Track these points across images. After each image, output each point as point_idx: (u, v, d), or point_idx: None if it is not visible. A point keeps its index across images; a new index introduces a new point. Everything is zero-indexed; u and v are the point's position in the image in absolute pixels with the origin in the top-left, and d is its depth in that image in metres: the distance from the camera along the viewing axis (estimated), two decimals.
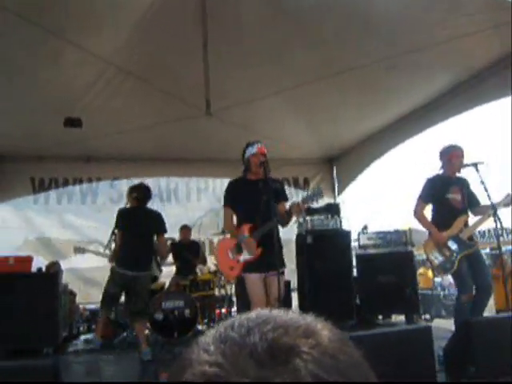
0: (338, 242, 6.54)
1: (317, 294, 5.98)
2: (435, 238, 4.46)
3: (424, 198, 4.63)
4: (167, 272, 7.06)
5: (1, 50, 4.38)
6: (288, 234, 5.83)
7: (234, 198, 4.18)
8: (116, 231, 5.38)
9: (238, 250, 4.02)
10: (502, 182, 5.51)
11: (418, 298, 6.50)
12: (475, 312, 4.18)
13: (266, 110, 6.15)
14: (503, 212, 4.38)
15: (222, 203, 4.32)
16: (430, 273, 7.92)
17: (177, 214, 7.99)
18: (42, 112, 5.69)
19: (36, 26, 3.99)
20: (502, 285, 4.39)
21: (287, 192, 4.53)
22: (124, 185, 7.79)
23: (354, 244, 6.93)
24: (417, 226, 5.03)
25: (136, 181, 7.68)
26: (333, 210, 6.87)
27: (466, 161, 4.53)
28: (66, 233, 7.59)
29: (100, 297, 5.59)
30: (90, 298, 7.18)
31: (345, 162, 8.63)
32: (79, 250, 6.47)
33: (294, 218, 4.37)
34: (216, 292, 6.72)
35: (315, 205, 4.78)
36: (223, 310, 6.96)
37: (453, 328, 4.49)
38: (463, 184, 4.64)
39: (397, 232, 6.99)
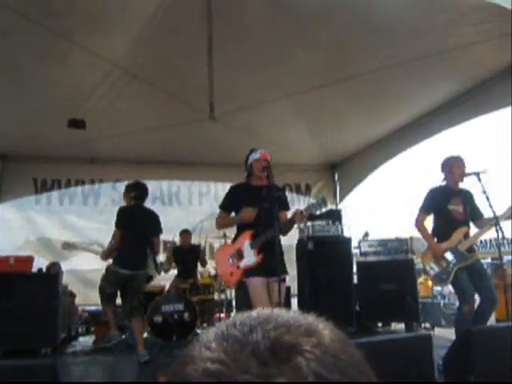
0: (339, 248, 6.54)
1: (317, 300, 5.97)
2: (433, 250, 4.48)
3: (425, 209, 4.64)
4: (167, 275, 7.06)
5: (7, 50, 4.39)
6: (289, 240, 5.82)
7: (235, 203, 4.16)
8: (115, 230, 5.37)
9: (239, 255, 4.01)
10: (505, 191, 5.51)
11: (418, 307, 6.48)
12: (479, 322, 4.17)
13: (270, 115, 6.16)
14: (504, 223, 4.38)
15: (219, 204, 4.32)
16: (430, 282, 7.90)
17: (178, 217, 8.01)
18: (46, 113, 5.71)
19: (42, 27, 4.00)
20: (502, 294, 4.38)
21: (289, 198, 4.53)
22: None
23: (354, 251, 6.93)
24: (418, 234, 5.03)
25: None
26: (334, 216, 6.87)
27: (468, 170, 4.54)
28: (67, 234, 7.59)
29: (98, 299, 5.59)
30: (89, 299, 7.17)
31: (347, 168, 8.63)
32: (68, 245, 6.43)
33: (295, 226, 4.36)
34: (216, 296, 6.72)
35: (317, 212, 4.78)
36: (222, 315, 6.95)
37: (452, 337, 4.48)
38: (466, 196, 4.64)
39: (398, 240, 6.98)
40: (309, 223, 6.55)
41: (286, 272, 4.07)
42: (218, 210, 4.34)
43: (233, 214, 4.22)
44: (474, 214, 4.61)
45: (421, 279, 8.14)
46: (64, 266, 6.84)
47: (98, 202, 7.89)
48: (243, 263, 3.97)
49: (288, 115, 6.29)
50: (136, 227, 5.31)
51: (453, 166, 4.58)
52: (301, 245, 6.59)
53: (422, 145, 6.72)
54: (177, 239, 7.67)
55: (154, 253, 5.63)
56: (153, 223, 5.52)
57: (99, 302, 7.16)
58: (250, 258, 3.95)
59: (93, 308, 7.22)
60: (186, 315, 5.87)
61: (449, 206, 4.52)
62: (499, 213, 4.33)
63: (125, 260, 5.22)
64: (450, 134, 6.20)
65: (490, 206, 4.28)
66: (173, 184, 8.32)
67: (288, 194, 7.91)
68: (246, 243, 3.98)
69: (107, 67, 4.80)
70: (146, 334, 6.02)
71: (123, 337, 5.93)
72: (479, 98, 5.28)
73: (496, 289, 4.43)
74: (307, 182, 8.85)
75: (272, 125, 6.53)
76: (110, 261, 5.39)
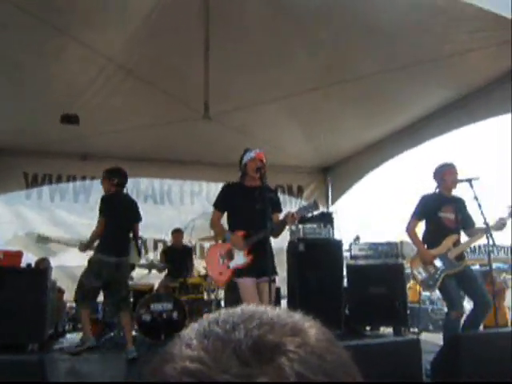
0: (330, 251, 6.55)
1: (306, 302, 5.97)
2: (422, 256, 4.51)
3: (417, 215, 4.66)
4: (157, 274, 7.05)
5: (2, 44, 4.36)
6: (280, 241, 5.82)
7: (227, 202, 4.17)
8: (99, 218, 5.20)
9: (229, 255, 4.01)
10: (497, 198, 5.55)
11: (406, 311, 6.50)
12: (471, 327, 4.19)
13: (265, 116, 6.16)
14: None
15: (213, 203, 4.32)
16: (419, 286, 7.94)
17: (170, 216, 7.99)
18: (39, 107, 5.67)
19: (39, 20, 3.98)
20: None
21: (281, 199, 4.54)
22: None
23: (345, 254, 6.94)
24: (409, 239, 5.05)
25: (130, 180, 7.68)
26: (326, 219, 6.88)
27: (460, 177, 4.57)
28: (56, 230, 7.53)
29: None
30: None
31: (340, 171, 8.65)
32: (42, 239, 6.30)
33: (286, 227, 4.37)
34: (205, 296, 6.70)
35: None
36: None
37: (440, 342, 4.49)
38: (458, 204, 4.66)
39: (388, 244, 7.00)
40: (300, 225, 6.56)
41: (275, 273, 4.08)
42: (209, 210, 4.35)
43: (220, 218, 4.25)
44: (465, 223, 4.63)
45: (410, 284, 8.18)
46: (53, 262, 6.80)
47: (88, 198, 7.83)
48: (233, 263, 3.97)
49: (283, 117, 6.30)
50: (119, 214, 5.20)
51: (445, 174, 4.61)
52: (292, 247, 6.59)
53: (416, 150, 6.77)
54: (168, 238, 7.65)
55: (136, 240, 5.51)
56: (134, 210, 5.42)
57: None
58: (240, 258, 3.95)
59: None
60: (175, 314, 5.85)
61: (439, 214, 4.55)
62: (491, 222, 4.36)
63: (109, 247, 5.09)
64: (443, 140, 6.25)
65: (482, 213, 4.31)
66: (165, 183, 8.29)
67: (280, 195, 7.90)
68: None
69: (102, 63, 4.78)
70: (134, 332, 5.99)
71: (111, 334, 5.90)
72: (475, 104, 5.31)
73: None
74: (299, 183, 8.86)
75: (266, 126, 6.54)
76: (92, 253, 5.23)
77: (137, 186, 7.94)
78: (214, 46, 4.51)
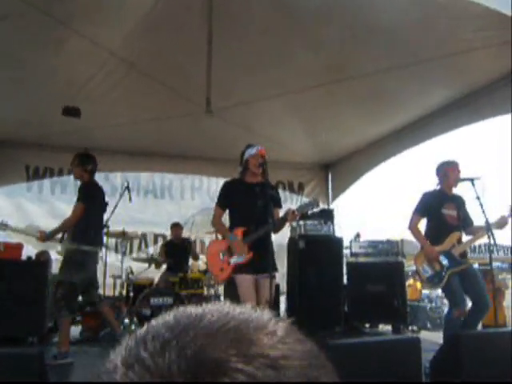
0: (330, 248, 6.54)
1: (306, 299, 5.98)
2: (427, 252, 4.49)
3: (419, 212, 4.66)
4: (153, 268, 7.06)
5: (5, 35, 4.34)
6: (280, 238, 5.82)
7: (229, 199, 4.17)
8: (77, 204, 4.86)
9: (230, 251, 4.01)
10: (498, 197, 5.55)
11: (406, 309, 6.51)
12: (468, 327, 4.19)
13: (267, 112, 6.15)
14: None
15: (216, 202, 4.31)
16: (418, 284, 7.96)
17: (170, 211, 7.99)
18: (41, 99, 5.65)
19: (42, 13, 3.96)
20: (491, 300, 4.40)
21: (281, 196, 4.55)
22: (118, 178, 7.77)
23: (345, 251, 6.94)
24: (409, 237, 5.06)
25: (131, 175, 7.68)
26: (326, 216, 6.87)
27: (463, 176, 4.57)
28: (56, 222, 7.51)
29: None
30: None
31: (341, 168, 8.64)
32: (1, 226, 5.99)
33: (286, 224, 4.38)
34: (205, 291, 6.71)
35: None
36: None
37: (438, 340, 4.51)
38: (459, 202, 4.67)
39: (389, 242, 7.01)
40: (301, 222, 6.55)
41: (275, 269, 4.08)
42: (210, 205, 4.36)
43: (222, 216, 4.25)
44: (464, 221, 4.64)
45: (409, 282, 8.19)
46: (53, 255, 6.79)
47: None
48: (233, 259, 3.97)
49: (284, 113, 6.29)
50: (100, 203, 5.04)
51: (448, 171, 4.61)
52: (292, 243, 6.59)
53: (418, 148, 6.76)
54: (168, 233, 7.65)
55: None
56: (104, 199, 5.22)
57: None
58: (241, 254, 3.95)
59: (79, 298, 7.18)
60: None
61: (442, 210, 4.54)
62: (492, 221, 4.36)
63: (94, 237, 4.84)
64: (445, 138, 6.24)
65: (483, 212, 4.31)
66: (165, 177, 8.28)
67: (281, 191, 7.91)
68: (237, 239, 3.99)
69: (105, 56, 4.77)
70: (133, 327, 6.00)
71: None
72: (478, 103, 5.30)
73: None
74: (300, 180, 8.85)
75: (268, 122, 6.53)
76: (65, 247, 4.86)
77: (137, 181, 7.93)
78: (216, 41, 4.49)
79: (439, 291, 6.89)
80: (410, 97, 5.67)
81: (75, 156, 5.12)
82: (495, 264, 7.89)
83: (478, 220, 4.62)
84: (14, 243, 5.79)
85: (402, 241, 6.96)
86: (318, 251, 6.38)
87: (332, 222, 6.85)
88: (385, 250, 6.92)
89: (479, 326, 5.30)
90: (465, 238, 4.65)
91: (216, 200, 4.31)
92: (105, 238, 5.97)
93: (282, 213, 4.18)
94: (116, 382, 0.37)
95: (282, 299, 6.79)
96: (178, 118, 6.11)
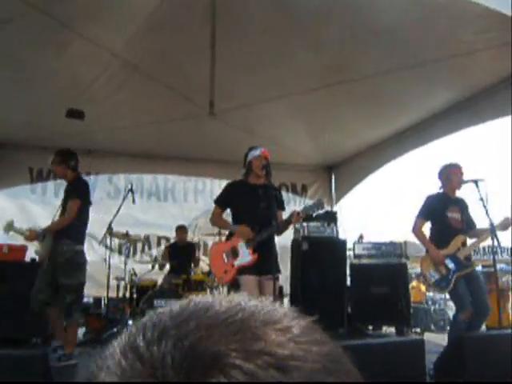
0: (334, 250, 6.54)
1: (309, 301, 5.97)
2: (432, 256, 4.46)
3: (423, 215, 4.64)
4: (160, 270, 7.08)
5: (9, 37, 4.36)
6: (284, 240, 5.82)
7: (231, 200, 4.17)
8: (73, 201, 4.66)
9: (234, 254, 4.01)
10: (502, 199, 5.54)
11: (409, 311, 6.50)
12: (470, 329, 4.18)
13: (270, 114, 6.15)
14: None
15: (214, 200, 4.31)
16: (422, 286, 7.94)
17: (173, 213, 7.99)
18: (45, 102, 5.67)
19: (45, 14, 3.98)
20: (494, 302, 4.39)
21: (285, 198, 4.55)
22: (122, 180, 7.79)
23: (348, 253, 6.94)
24: (412, 239, 5.05)
25: (134, 177, 7.69)
26: (330, 218, 6.87)
27: (466, 177, 4.56)
28: None
29: (91, 290, 5.47)
30: None
31: (344, 170, 8.63)
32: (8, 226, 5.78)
33: (290, 226, 4.38)
34: (208, 293, 6.71)
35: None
36: None
37: (443, 343, 4.50)
38: (462, 205, 4.66)
39: (392, 244, 7.00)
40: (304, 224, 6.55)
41: (279, 271, 4.08)
42: (212, 208, 4.33)
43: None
44: (467, 224, 4.63)
45: (413, 284, 8.18)
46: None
47: (93, 194, 7.81)
48: (238, 261, 3.97)
49: (287, 115, 6.29)
50: (89, 199, 4.86)
51: (450, 174, 4.60)
52: (295, 245, 6.59)
53: (420, 150, 6.76)
54: (171, 235, 7.65)
55: None
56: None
57: (90, 293, 7.09)
58: (245, 256, 3.95)
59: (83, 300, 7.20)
60: None
61: (447, 213, 4.53)
62: (495, 223, 4.34)
63: (84, 235, 4.73)
64: (448, 140, 6.24)
65: (487, 214, 4.30)
66: (168, 179, 8.28)
67: (284, 193, 7.91)
68: (241, 241, 3.98)
69: (108, 58, 4.78)
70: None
71: (115, 330, 5.91)
72: (479, 105, 5.29)
73: (488, 296, 4.45)
74: (303, 182, 8.84)
75: (271, 124, 6.53)
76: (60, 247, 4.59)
77: (141, 183, 7.94)
78: (219, 43, 4.51)
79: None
80: (413, 99, 5.67)
81: (55, 154, 4.89)
82: (499, 266, 7.87)
83: (480, 222, 4.61)
84: (18, 245, 5.79)
85: (406, 243, 6.94)
86: (321, 253, 6.38)
87: (335, 224, 6.86)
88: (388, 252, 6.92)
89: (483, 328, 5.30)
90: (469, 240, 4.64)
91: (216, 199, 4.31)
92: (108, 240, 5.99)
93: (284, 215, 4.18)
94: (109, 370, 0.35)
95: (286, 301, 6.79)
96: (180, 120, 6.12)
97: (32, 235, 4.66)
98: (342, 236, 6.91)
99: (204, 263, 7.16)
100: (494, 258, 4.62)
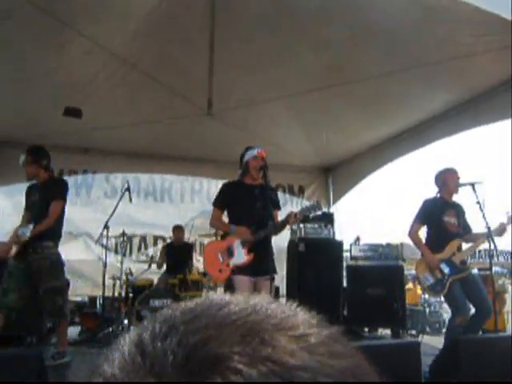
0: (330, 251, 6.54)
1: (305, 302, 5.89)
2: (427, 260, 4.47)
3: (420, 220, 4.64)
4: (156, 270, 7.06)
5: (8, 34, 4.35)
6: (280, 241, 5.81)
7: (228, 200, 4.15)
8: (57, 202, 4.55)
9: (229, 253, 3.99)
10: (498, 203, 5.54)
11: (405, 313, 6.50)
12: (470, 332, 4.18)
13: (267, 114, 6.16)
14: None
15: (212, 202, 4.27)
16: (418, 289, 7.95)
17: (170, 213, 7.97)
18: (43, 100, 5.65)
19: (44, 13, 3.97)
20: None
21: (282, 199, 4.54)
22: (119, 179, 7.77)
23: (345, 255, 6.94)
24: (409, 241, 5.04)
25: (131, 176, 7.67)
26: (326, 219, 6.87)
27: (463, 181, 4.56)
28: None
29: (87, 289, 5.42)
30: (75, 290, 7.14)
31: (341, 172, 8.64)
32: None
33: (286, 227, 4.36)
34: (204, 293, 6.70)
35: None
36: None
37: (438, 345, 4.50)
38: (459, 209, 4.66)
39: (389, 246, 6.99)
40: (301, 225, 6.55)
41: (275, 271, 4.07)
42: (209, 208, 4.31)
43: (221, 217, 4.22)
44: (463, 229, 4.63)
45: (409, 286, 8.19)
46: None
47: (90, 193, 7.81)
48: (233, 261, 3.95)
49: (285, 116, 6.29)
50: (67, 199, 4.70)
51: (447, 178, 4.60)
52: (292, 246, 6.59)
53: (418, 152, 6.76)
54: (167, 235, 7.64)
55: None
56: None
57: (86, 292, 7.06)
58: (241, 256, 3.94)
59: (78, 299, 7.19)
60: None
61: (444, 218, 4.53)
62: (492, 226, 4.35)
63: (61, 236, 4.56)
64: (447, 142, 6.25)
65: (484, 218, 4.30)
66: (165, 180, 8.26)
67: (281, 194, 7.90)
68: (237, 241, 3.97)
69: (106, 56, 4.77)
70: (132, 328, 6.00)
71: (110, 329, 5.90)
72: (479, 108, 5.30)
73: None
74: (300, 183, 8.84)
75: (269, 124, 6.53)
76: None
77: (138, 183, 7.93)
78: (218, 43, 4.51)
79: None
80: (412, 100, 5.68)
81: (27, 153, 4.64)
82: (494, 269, 7.89)
83: (477, 226, 4.61)
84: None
85: (402, 244, 6.94)
86: (317, 254, 6.38)
87: (332, 226, 6.86)
88: (385, 254, 6.91)
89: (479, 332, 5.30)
90: (464, 245, 4.64)
91: (213, 201, 4.27)
92: (105, 239, 5.98)
93: (280, 215, 4.17)
94: (111, 362, 0.34)
95: (281, 301, 6.78)
96: (178, 119, 6.11)
97: (21, 240, 4.36)
98: (338, 237, 6.91)
99: (200, 263, 7.15)
100: (491, 262, 4.62)
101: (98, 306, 6.65)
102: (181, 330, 0.33)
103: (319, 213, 4.97)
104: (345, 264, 6.81)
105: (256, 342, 0.31)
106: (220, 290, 6.70)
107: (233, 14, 4.24)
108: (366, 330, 6.84)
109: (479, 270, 7.70)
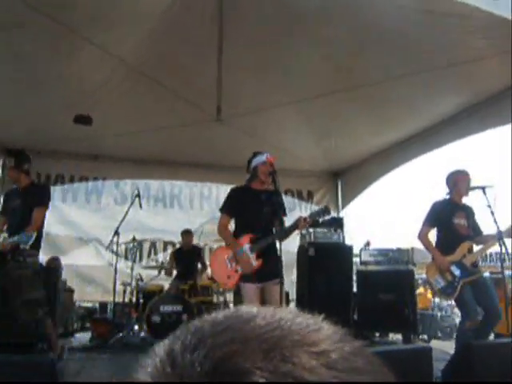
0: (340, 256, 6.51)
1: (315, 307, 5.91)
2: (438, 262, 4.43)
3: (429, 222, 4.60)
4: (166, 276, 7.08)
5: (16, 42, 4.40)
6: (289, 245, 5.79)
7: (236, 206, 4.12)
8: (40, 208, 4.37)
9: (237, 259, 3.97)
10: (509, 206, 5.50)
11: (416, 318, 6.45)
12: (480, 336, 4.14)
13: (276, 120, 6.16)
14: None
15: (220, 208, 4.25)
16: (429, 293, 7.89)
17: (179, 219, 7.98)
18: (52, 107, 5.70)
19: (53, 20, 4.01)
20: (503, 309, 4.35)
21: (290, 204, 4.52)
22: (129, 186, 7.81)
23: (355, 259, 6.91)
24: (419, 245, 5.01)
25: (141, 183, 7.70)
26: (336, 224, 6.85)
27: (474, 184, 4.53)
28: (66, 229, 7.56)
29: (97, 295, 5.44)
30: (85, 295, 7.19)
31: (350, 176, 8.61)
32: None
33: (296, 231, 4.33)
34: (214, 299, 6.70)
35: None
36: None
37: (450, 350, 4.46)
38: (469, 211, 4.63)
39: (399, 250, 6.96)
40: (311, 229, 6.53)
41: (282, 277, 4.05)
42: (218, 214, 4.28)
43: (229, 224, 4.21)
44: (473, 231, 4.59)
45: (419, 290, 8.13)
46: (62, 261, 6.81)
47: (100, 200, 7.85)
48: (241, 267, 3.92)
49: (294, 121, 6.30)
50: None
51: (458, 180, 4.56)
52: (302, 250, 6.57)
53: (428, 156, 6.73)
54: (177, 240, 7.65)
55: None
56: None
57: (96, 298, 7.09)
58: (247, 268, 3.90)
59: (89, 304, 7.22)
60: (185, 317, 5.85)
61: (453, 220, 4.49)
62: (503, 228, 4.31)
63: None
64: (457, 146, 6.21)
65: (495, 221, 4.27)
66: (175, 186, 8.29)
67: (290, 199, 7.89)
68: (245, 247, 3.94)
69: (116, 63, 4.81)
70: (142, 333, 6.01)
71: (121, 335, 5.91)
72: (488, 112, 5.27)
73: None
74: (309, 188, 8.82)
75: (277, 130, 6.54)
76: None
77: (147, 189, 7.96)
78: (227, 49, 4.53)
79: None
80: (420, 104, 5.66)
81: (9, 156, 4.53)
82: (507, 273, 7.82)
83: (488, 229, 4.58)
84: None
85: (413, 249, 6.90)
86: (327, 259, 6.35)
87: (342, 230, 6.83)
88: (395, 259, 6.87)
89: (492, 336, 5.26)
90: (475, 247, 4.60)
91: (221, 206, 4.23)
92: (115, 245, 6.01)
93: (289, 220, 4.14)
94: (145, 369, 0.36)
95: (291, 306, 6.76)
96: (187, 126, 6.14)
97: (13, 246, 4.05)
98: (348, 242, 6.89)
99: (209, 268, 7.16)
100: (502, 265, 4.58)
101: (108, 311, 6.68)
102: (208, 342, 0.34)
103: (328, 217, 4.93)
104: (355, 269, 6.78)
105: (277, 359, 0.32)
106: (229, 295, 6.73)
107: (240, 19, 4.26)
108: (377, 335, 6.81)
109: (491, 273, 7.65)
